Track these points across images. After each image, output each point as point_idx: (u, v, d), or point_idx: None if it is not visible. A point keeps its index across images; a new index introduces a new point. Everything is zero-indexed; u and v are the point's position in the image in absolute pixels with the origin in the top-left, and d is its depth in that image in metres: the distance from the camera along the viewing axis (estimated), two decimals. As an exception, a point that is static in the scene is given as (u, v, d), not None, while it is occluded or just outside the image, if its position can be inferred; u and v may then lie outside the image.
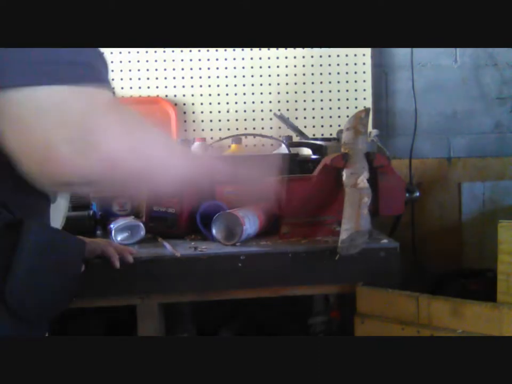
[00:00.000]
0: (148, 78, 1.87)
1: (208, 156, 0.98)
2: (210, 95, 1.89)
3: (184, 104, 1.89)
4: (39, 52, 0.68)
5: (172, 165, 0.82)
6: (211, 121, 1.90)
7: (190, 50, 1.87)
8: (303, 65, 1.89)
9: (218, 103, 1.90)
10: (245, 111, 1.90)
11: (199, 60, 1.88)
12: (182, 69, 1.88)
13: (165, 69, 1.88)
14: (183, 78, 1.88)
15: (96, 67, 0.73)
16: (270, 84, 1.90)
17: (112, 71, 1.86)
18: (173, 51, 1.87)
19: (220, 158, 1.00)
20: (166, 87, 1.88)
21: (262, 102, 1.89)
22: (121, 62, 1.86)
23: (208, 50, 1.88)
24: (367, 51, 1.89)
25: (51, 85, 0.67)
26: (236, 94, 1.90)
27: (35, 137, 0.67)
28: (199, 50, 1.88)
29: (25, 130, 0.67)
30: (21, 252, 0.77)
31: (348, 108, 1.90)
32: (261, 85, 1.89)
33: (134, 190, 0.81)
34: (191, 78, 1.88)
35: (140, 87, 1.87)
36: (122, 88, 1.87)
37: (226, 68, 1.89)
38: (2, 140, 0.70)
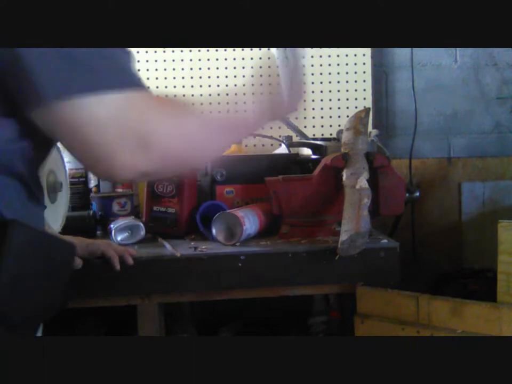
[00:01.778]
0: (148, 78, 1.87)
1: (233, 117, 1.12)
2: (210, 95, 1.89)
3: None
4: (82, 61, 0.72)
5: (214, 141, 0.92)
6: (211, 121, 1.89)
7: (190, 50, 1.87)
8: (303, 65, 1.89)
9: (218, 103, 1.89)
10: (245, 111, 1.89)
11: (199, 59, 1.88)
12: (182, 69, 1.88)
13: (165, 69, 1.88)
14: (183, 78, 1.88)
15: (131, 69, 0.77)
16: (270, 84, 1.89)
17: (112, 71, 1.86)
18: (173, 51, 1.87)
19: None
20: (166, 87, 1.88)
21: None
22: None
23: (208, 50, 1.88)
24: (367, 51, 1.89)
25: (100, 92, 0.72)
26: (235, 94, 1.89)
27: (97, 148, 0.73)
28: (199, 50, 1.87)
29: (86, 142, 0.73)
30: (5, 255, 0.75)
31: (347, 107, 1.90)
32: (261, 85, 1.89)
33: (188, 169, 1.00)
34: (191, 78, 1.88)
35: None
36: (122, 88, 1.87)
37: (226, 68, 1.88)
38: (64, 146, 0.77)
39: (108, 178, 0.80)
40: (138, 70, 1.93)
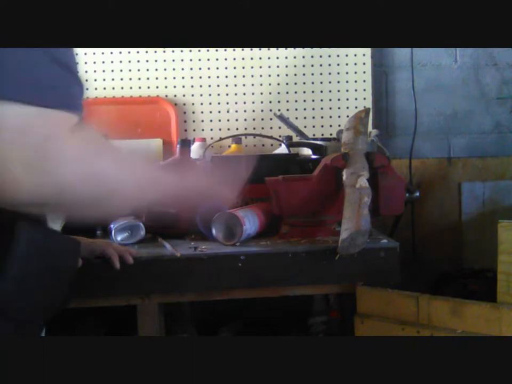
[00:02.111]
0: (148, 78, 1.87)
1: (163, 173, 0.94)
2: (210, 95, 1.89)
3: (184, 104, 1.89)
4: (15, 65, 0.66)
5: (129, 189, 0.80)
6: (211, 121, 1.89)
7: (190, 50, 1.87)
8: (303, 65, 1.89)
9: (218, 103, 1.89)
10: (245, 111, 1.90)
11: (199, 59, 1.88)
12: (182, 69, 1.88)
13: (165, 69, 1.88)
14: (183, 78, 1.88)
15: (69, 90, 0.71)
16: (270, 84, 1.89)
17: (112, 71, 1.86)
18: (173, 51, 1.87)
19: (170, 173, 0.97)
20: (166, 87, 1.88)
21: (262, 102, 1.89)
22: (121, 62, 1.86)
23: (208, 50, 1.88)
24: (367, 51, 1.89)
25: (17, 102, 0.65)
26: (236, 94, 1.90)
27: None
28: (199, 50, 1.87)
29: None
30: (13, 252, 0.75)
31: (348, 108, 1.90)
32: (261, 85, 1.89)
33: (89, 214, 0.78)
34: (191, 78, 1.88)
35: (139, 87, 1.87)
36: (122, 88, 1.87)
37: (226, 68, 1.88)
38: None
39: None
40: (138, 70, 1.91)
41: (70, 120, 0.70)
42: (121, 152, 0.81)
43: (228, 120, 1.89)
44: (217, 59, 1.88)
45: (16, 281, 0.76)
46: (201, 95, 1.89)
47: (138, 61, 1.86)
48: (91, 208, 0.76)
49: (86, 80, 1.87)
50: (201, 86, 1.89)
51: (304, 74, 1.89)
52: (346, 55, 1.89)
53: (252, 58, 1.89)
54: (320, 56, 1.89)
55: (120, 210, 0.85)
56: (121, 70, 1.86)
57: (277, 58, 1.89)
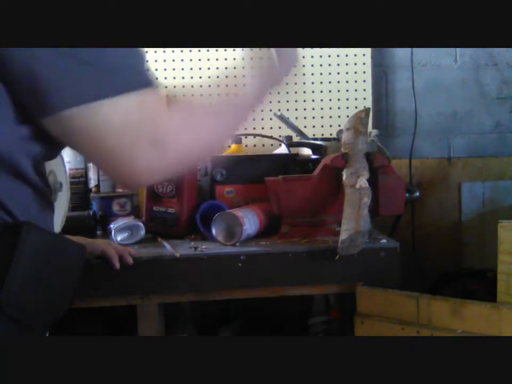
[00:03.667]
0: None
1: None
2: (210, 95, 1.89)
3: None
4: (91, 64, 0.71)
5: (224, 127, 0.97)
6: (211, 121, 1.89)
7: (190, 50, 1.87)
8: (303, 65, 1.89)
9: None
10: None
11: (199, 60, 1.88)
12: (182, 69, 1.88)
13: (165, 69, 1.87)
14: (183, 78, 1.88)
15: (142, 68, 0.77)
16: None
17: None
18: (173, 51, 1.87)
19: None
20: (166, 87, 1.88)
21: (261, 102, 1.89)
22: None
23: (208, 50, 1.88)
24: (367, 51, 1.89)
25: (113, 97, 0.71)
26: (235, 94, 1.89)
27: (114, 154, 0.72)
28: (199, 50, 1.87)
29: (101, 148, 0.73)
30: (20, 256, 0.75)
31: (347, 107, 1.89)
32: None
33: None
34: (191, 78, 1.88)
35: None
36: (122, 88, 1.87)
37: (226, 68, 1.88)
38: (79, 153, 0.79)
39: (127, 183, 0.80)
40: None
41: (157, 94, 0.78)
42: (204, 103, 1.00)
43: (228, 120, 1.89)
44: (217, 59, 1.88)
45: (22, 285, 0.76)
46: (201, 95, 1.89)
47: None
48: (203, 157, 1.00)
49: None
50: (201, 86, 1.89)
51: (304, 74, 1.89)
52: (346, 55, 1.89)
53: (252, 58, 1.89)
54: (320, 56, 1.89)
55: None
56: (121, 70, 1.86)
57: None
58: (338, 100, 1.90)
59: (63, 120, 0.72)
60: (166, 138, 0.75)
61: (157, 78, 0.80)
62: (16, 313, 0.76)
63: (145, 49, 0.83)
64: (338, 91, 1.90)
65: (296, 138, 1.76)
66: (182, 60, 1.88)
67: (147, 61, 0.80)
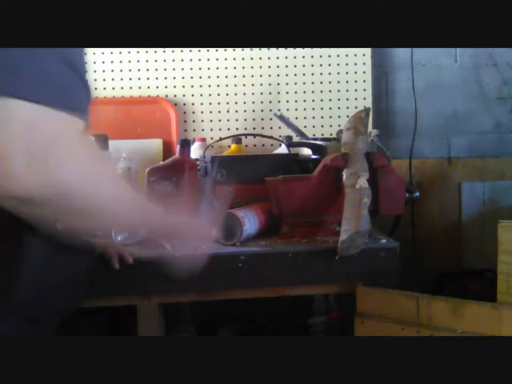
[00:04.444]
0: (148, 78, 1.87)
1: (154, 208, 0.92)
2: (210, 95, 1.89)
3: (184, 104, 1.89)
4: (27, 63, 0.67)
5: (120, 207, 0.80)
6: (211, 121, 1.89)
7: (190, 50, 1.87)
8: (303, 65, 1.89)
9: (218, 103, 1.89)
10: (245, 111, 1.90)
11: (199, 59, 1.88)
12: (182, 69, 1.88)
13: (165, 69, 1.88)
14: (183, 78, 1.88)
15: (78, 95, 0.71)
16: (270, 84, 1.89)
17: (113, 71, 1.86)
18: (173, 51, 1.87)
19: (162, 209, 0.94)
20: (166, 87, 1.88)
21: (262, 102, 1.89)
22: (121, 62, 1.86)
23: (208, 50, 1.88)
24: (367, 51, 1.89)
25: (27, 100, 0.65)
26: (236, 94, 1.90)
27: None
28: (199, 50, 1.87)
29: None
30: (31, 254, 0.75)
31: (348, 108, 1.90)
32: (261, 85, 1.89)
33: (79, 223, 0.78)
34: (191, 78, 1.88)
35: (139, 87, 1.87)
36: (122, 88, 1.87)
37: (226, 68, 1.88)
38: None
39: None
40: (138, 70, 1.92)
41: (76, 124, 0.70)
42: (116, 170, 0.82)
43: (228, 120, 1.89)
44: (217, 59, 1.88)
45: (34, 283, 0.76)
46: (201, 95, 1.89)
47: (138, 61, 1.86)
48: (82, 217, 0.75)
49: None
50: (201, 86, 1.89)
51: (304, 74, 1.89)
52: (346, 55, 1.89)
53: (252, 59, 1.89)
54: (320, 56, 1.89)
55: (108, 225, 0.90)
56: (121, 70, 1.86)
57: (277, 58, 1.89)
58: (338, 99, 1.90)
59: None
60: (54, 163, 0.67)
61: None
62: (30, 309, 0.76)
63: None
64: (338, 91, 1.90)
65: (296, 138, 1.76)
66: (182, 60, 1.88)
67: (89, 97, 0.74)
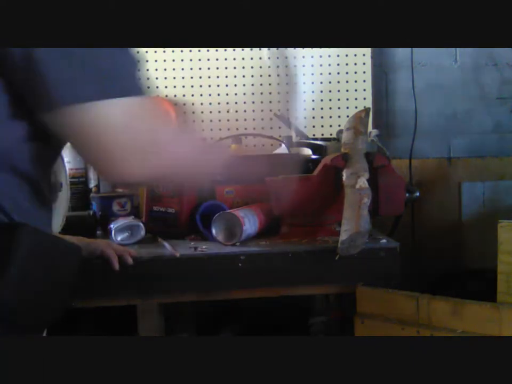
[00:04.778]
0: (148, 78, 1.87)
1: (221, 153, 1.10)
2: (210, 95, 1.89)
3: (184, 104, 1.89)
4: (94, 65, 0.74)
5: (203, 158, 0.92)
6: (211, 121, 1.89)
7: (190, 50, 1.87)
8: (303, 65, 1.89)
9: (218, 103, 1.89)
10: (245, 111, 1.90)
11: (199, 59, 1.88)
12: (182, 69, 1.88)
13: (165, 69, 1.87)
14: (183, 78, 1.88)
15: (138, 76, 0.80)
16: (270, 84, 1.89)
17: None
18: (173, 51, 1.87)
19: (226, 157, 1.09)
20: (166, 87, 1.88)
21: (262, 102, 1.89)
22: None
23: (208, 50, 1.88)
24: (367, 51, 1.89)
25: (114, 98, 0.74)
26: (235, 94, 1.89)
27: (108, 153, 0.75)
28: (199, 50, 1.87)
29: (97, 146, 0.75)
30: (14, 257, 0.75)
31: (348, 107, 1.89)
32: (261, 85, 1.89)
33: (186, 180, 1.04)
34: (191, 78, 1.88)
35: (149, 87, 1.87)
36: (122, 88, 1.86)
37: (226, 68, 1.88)
38: (74, 149, 0.80)
39: (116, 181, 0.87)
40: (138, 70, 1.93)
41: (157, 101, 0.84)
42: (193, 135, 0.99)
43: (228, 120, 1.89)
44: (217, 59, 1.88)
45: (17, 285, 0.76)
46: (201, 95, 1.89)
47: (138, 61, 1.86)
48: (188, 176, 0.92)
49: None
50: (201, 86, 1.89)
51: (304, 74, 1.89)
52: (346, 55, 1.89)
53: (251, 58, 1.89)
54: (320, 56, 1.89)
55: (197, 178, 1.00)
56: (121, 70, 1.86)
57: (277, 58, 1.88)
58: (338, 100, 1.90)
59: (63, 116, 0.73)
60: (158, 147, 0.78)
61: (148, 87, 0.82)
62: (9, 314, 0.76)
63: (142, 50, 0.85)
64: (338, 91, 1.90)
65: (296, 138, 1.76)
66: (182, 60, 1.88)
67: (140, 70, 0.82)
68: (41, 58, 0.71)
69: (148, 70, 1.86)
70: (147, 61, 1.86)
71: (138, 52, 0.81)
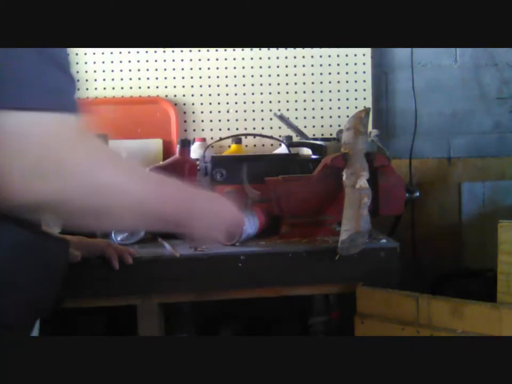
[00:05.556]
0: (148, 78, 1.87)
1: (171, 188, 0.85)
2: (210, 95, 1.89)
3: (184, 104, 1.89)
4: (7, 71, 0.65)
5: (130, 199, 0.75)
6: (211, 121, 1.89)
7: (190, 50, 1.87)
8: (303, 65, 1.89)
9: (218, 103, 1.89)
10: (245, 111, 1.90)
11: (199, 59, 1.88)
12: (182, 69, 1.88)
13: (165, 69, 1.87)
14: (183, 78, 1.88)
15: (66, 92, 0.69)
16: (270, 84, 1.89)
17: (112, 71, 1.86)
18: (173, 51, 1.87)
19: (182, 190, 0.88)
20: (166, 87, 1.88)
21: (262, 102, 1.89)
22: (121, 62, 1.86)
23: (208, 50, 1.88)
24: (367, 51, 1.89)
25: (15, 109, 0.64)
26: (236, 94, 1.89)
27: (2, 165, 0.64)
28: (199, 50, 1.87)
29: None
30: None
31: (348, 108, 1.90)
32: (261, 85, 1.89)
33: (89, 223, 0.76)
34: (191, 78, 1.88)
35: (139, 87, 1.87)
36: (122, 88, 1.87)
37: (226, 68, 1.88)
38: None
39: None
40: (138, 70, 1.91)
41: (70, 122, 0.68)
42: (122, 160, 0.78)
43: (228, 120, 1.89)
44: (217, 59, 1.88)
45: (0, 283, 0.75)
46: (201, 95, 1.89)
47: (138, 61, 1.86)
48: (91, 218, 0.73)
49: (80, 80, 1.87)
50: (201, 86, 1.89)
51: (304, 74, 1.89)
52: (346, 55, 1.89)
53: (251, 58, 1.89)
54: (320, 56, 1.89)
55: (121, 223, 0.82)
56: (121, 70, 1.86)
57: (277, 58, 1.89)
58: (338, 99, 1.90)
59: None
60: (54, 168, 0.66)
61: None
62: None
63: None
64: (338, 91, 1.90)
65: (296, 138, 1.76)
66: (182, 60, 1.88)
67: (77, 88, 0.72)
68: None
69: (148, 70, 1.87)
70: (147, 61, 1.86)
71: (77, 72, 0.72)
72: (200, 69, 1.88)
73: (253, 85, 1.89)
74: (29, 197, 0.65)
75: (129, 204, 0.74)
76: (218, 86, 1.89)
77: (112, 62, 1.86)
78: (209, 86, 1.89)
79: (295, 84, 1.89)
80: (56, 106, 0.67)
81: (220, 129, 1.89)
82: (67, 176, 0.66)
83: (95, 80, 1.85)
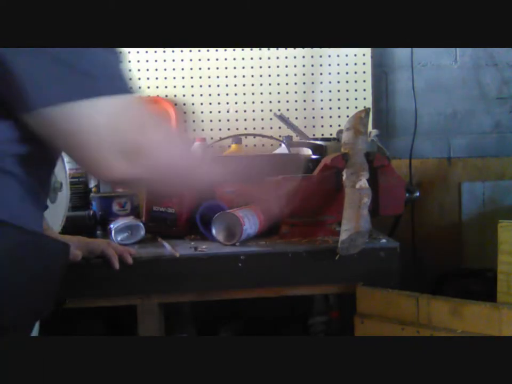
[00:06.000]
0: (148, 78, 1.87)
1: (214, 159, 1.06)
2: (210, 95, 1.89)
3: (184, 104, 1.89)
4: (73, 65, 0.72)
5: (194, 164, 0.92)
6: (211, 121, 1.89)
7: (190, 50, 1.87)
8: (303, 65, 1.89)
9: (218, 103, 1.89)
10: (245, 111, 1.90)
11: (199, 59, 1.88)
12: (182, 69, 1.88)
13: (165, 69, 1.87)
14: (183, 78, 1.88)
15: (123, 74, 0.79)
16: (270, 84, 1.89)
17: (112, 71, 1.86)
18: (173, 51, 1.87)
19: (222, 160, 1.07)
20: (166, 87, 1.88)
21: (262, 102, 1.89)
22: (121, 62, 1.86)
23: (208, 50, 1.88)
24: (367, 51, 1.89)
25: (95, 98, 0.73)
26: (236, 94, 1.89)
27: (89, 152, 0.75)
28: (199, 50, 1.87)
29: (78, 146, 0.75)
30: None
31: (348, 108, 1.90)
32: (261, 85, 1.89)
33: (173, 187, 0.99)
34: (191, 78, 1.88)
35: (140, 87, 1.87)
36: (122, 88, 1.87)
37: (226, 68, 1.88)
38: (58, 148, 0.80)
39: (106, 180, 0.85)
40: (138, 70, 1.92)
41: (142, 101, 0.82)
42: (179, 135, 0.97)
43: (228, 120, 1.89)
44: (217, 59, 1.88)
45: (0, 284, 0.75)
46: (201, 95, 1.89)
47: (138, 61, 1.86)
48: (174, 182, 0.90)
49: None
50: (201, 86, 1.89)
51: (304, 74, 1.89)
52: (346, 55, 1.89)
53: (252, 58, 1.89)
54: (320, 56, 1.89)
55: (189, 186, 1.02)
56: (121, 70, 1.86)
57: (277, 58, 1.89)
58: (338, 99, 1.90)
59: (42, 118, 0.73)
60: (141, 148, 0.77)
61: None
62: None
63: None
64: (338, 91, 1.90)
65: (296, 138, 1.76)
66: (182, 60, 1.88)
67: (128, 69, 0.81)
68: (15, 59, 0.69)
69: (148, 70, 1.86)
70: (147, 61, 1.86)
71: (121, 52, 0.80)
72: (200, 69, 1.88)
73: (253, 85, 1.89)
74: (130, 174, 0.77)
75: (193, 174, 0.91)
76: (218, 86, 1.89)
77: (112, 62, 1.85)
78: (209, 86, 1.89)
79: (295, 84, 1.89)
80: (120, 89, 0.78)
81: (220, 129, 1.89)
82: (146, 156, 0.77)
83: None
